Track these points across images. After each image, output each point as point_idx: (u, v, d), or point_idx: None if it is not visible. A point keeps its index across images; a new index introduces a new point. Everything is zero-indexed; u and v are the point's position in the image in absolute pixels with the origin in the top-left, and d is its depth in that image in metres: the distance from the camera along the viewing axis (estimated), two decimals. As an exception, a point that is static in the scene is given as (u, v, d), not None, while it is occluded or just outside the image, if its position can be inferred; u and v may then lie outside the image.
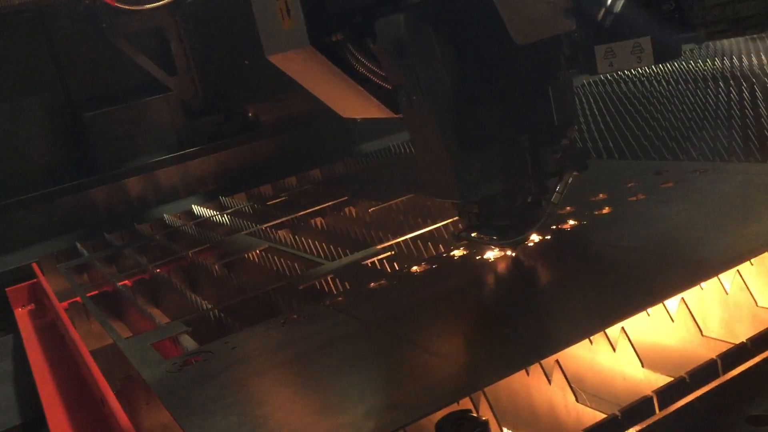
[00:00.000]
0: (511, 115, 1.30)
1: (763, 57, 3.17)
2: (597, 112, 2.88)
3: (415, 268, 1.54)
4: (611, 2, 1.09)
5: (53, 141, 3.28)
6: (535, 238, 1.52)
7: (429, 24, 1.22)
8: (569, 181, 1.35)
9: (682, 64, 3.42)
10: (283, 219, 2.40)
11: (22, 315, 2.32)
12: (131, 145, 3.35)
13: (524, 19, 1.18)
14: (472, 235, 1.43)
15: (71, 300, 2.12)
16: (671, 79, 3.14)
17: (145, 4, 2.80)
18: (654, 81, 3.20)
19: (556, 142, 1.32)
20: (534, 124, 1.32)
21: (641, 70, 3.51)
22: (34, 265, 2.55)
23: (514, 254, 1.46)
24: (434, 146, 1.30)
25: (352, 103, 1.49)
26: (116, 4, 2.80)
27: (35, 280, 2.44)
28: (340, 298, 1.47)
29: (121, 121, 3.33)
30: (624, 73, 3.52)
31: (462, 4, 1.23)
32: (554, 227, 1.57)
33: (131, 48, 3.38)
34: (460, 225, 1.46)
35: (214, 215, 2.76)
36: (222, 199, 3.02)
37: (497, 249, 1.47)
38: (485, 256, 1.49)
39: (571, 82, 1.31)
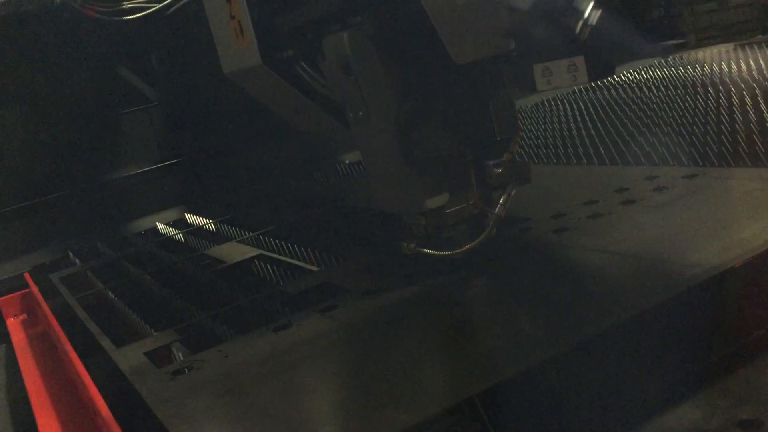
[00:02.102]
0: (454, 130, 1.33)
1: (752, 63, 3.19)
2: (587, 118, 2.89)
3: (408, 273, 1.55)
4: (588, 15, 1.11)
5: (33, 152, 3.25)
6: (529, 241, 1.53)
7: (373, 41, 1.24)
8: (512, 193, 1.38)
9: (672, 71, 3.44)
10: (274, 226, 2.40)
11: (14, 325, 2.31)
12: (112, 156, 3.33)
13: (462, 39, 1.19)
14: (421, 248, 1.46)
15: (63, 309, 2.11)
16: (661, 85, 3.15)
17: (127, 15, 2.78)
18: (644, 87, 3.21)
19: (499, 156, 1.35)
20: (477, 139, 1.35)
21: (632, 75, 3.53)
22: (26, 275, 2.55)
23: (506, 258, 1.47)
24: (380, 160, 1.32)
25: (307, 119, 1.51)
26: (96, 16, 2.78)
27: (27, 290, 2.43)
28: (332, 305, 1.47)
29: (102, 132, 3.31)
30: (614, 78, 3.53)
31: (405, 23, 1.25)
32: (546, 233, 1.57)
33: (112, 59, 3.36)
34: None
35: (206, 224, 2.75)
36: (212, 207, 3.01)
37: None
38: (478, 260, 1.49)
39: (511, 98, 1.33)
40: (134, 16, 2.71)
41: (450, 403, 1.00)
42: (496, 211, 1.39)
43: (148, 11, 2.64)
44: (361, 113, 1.29)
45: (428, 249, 1.46)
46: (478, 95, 1.32)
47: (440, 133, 1.32)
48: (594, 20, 1.10)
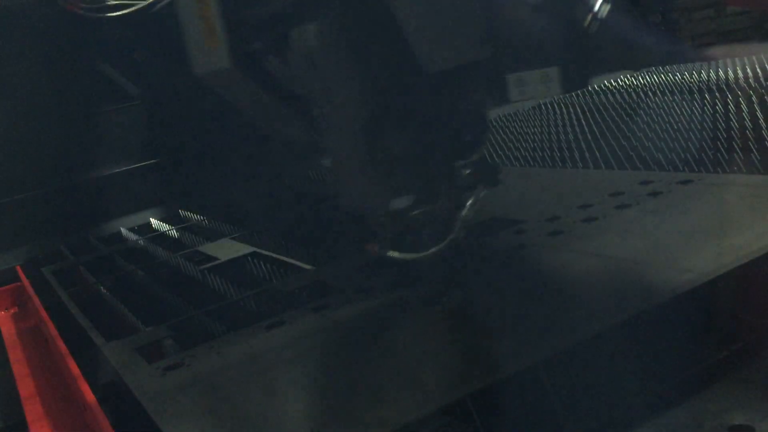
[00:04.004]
0: (423, 130, 1.29)
1: (749, 70, 3.20)
2: (584, 122, 2.89)
3: (400, 271, 1.54)
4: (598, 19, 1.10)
5: (18, 147, 3.23)
6: (523, 243, 1.53)
7: (341, 35, 1.18)
8: (480, 196, 1.34)
9: (669, 76, 3.45)
10: (269, 223, 2.39)
11: (4, 318, 2.30)
12: (99, 152, 3.31)
13: (434, 46, 1.11)
14: (383, 249, 1.42)
15: (55, 303, 2.10)
16: (658, 91, 3.16)
17: (111, 12, 2.76)
18: (641, 92, 3.22)
19: (468, 158, 1.31)
20: (446, 140, 1.30)
21: (628, 80, 3.54)
22: (18, 268, 2.54)
23: (501, 260, 1.47)
24: (345, 159, 1.29)
25: (279, 124, 1.47)
26: (80, 12, 2.76)
27: (18, 283, 2.42)
28: (325, 303, 1.46)
29: (88, 130, 3.29)
30: (611, 83, 3.54)
31: (373, 22, 1.17)
32: (540, 236, 1.57)
33: (97, 56, 3.35)
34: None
35: (200, 220, 2.75)
36: (205, 203, 3.01)
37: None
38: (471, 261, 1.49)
39: (484, 100, 1.30)
40: (118, 13, 2.69)
41: (441, 403, 1.00)
42: (463, 214, 1.34)
43: (132, 8, 2.62)
44: (324, 109, 1.25)
45: (392, 252, 1.40)
46: (449, 96, 1.25)
47: (408, 132, 1.27)
48: (603, 13, 1.09)
